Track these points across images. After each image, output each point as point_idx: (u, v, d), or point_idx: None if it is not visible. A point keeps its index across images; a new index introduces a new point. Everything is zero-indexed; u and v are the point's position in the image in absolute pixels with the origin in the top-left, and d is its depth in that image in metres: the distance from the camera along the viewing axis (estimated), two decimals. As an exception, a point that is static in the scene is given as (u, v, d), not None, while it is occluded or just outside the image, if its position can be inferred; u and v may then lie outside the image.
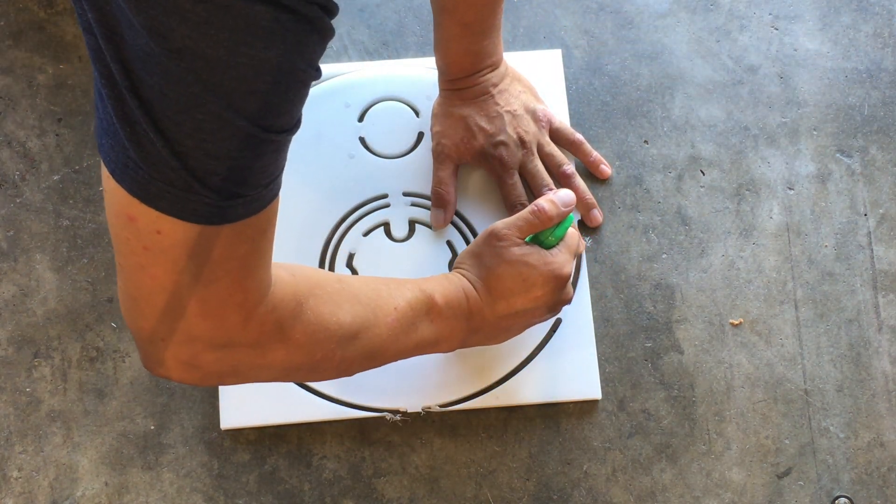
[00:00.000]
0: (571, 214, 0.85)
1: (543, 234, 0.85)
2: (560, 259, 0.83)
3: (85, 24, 0.52)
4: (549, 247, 0.84)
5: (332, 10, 0.55)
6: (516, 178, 0.95)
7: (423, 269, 0.96)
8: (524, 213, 0.83)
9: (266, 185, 0.58)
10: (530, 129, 0.95)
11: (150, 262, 0.57)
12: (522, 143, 0.94)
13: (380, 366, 0.78)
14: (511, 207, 0.95)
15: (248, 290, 0.61)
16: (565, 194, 0.84)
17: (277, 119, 0.55)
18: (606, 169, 0.99)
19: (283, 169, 0.60)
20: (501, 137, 0.93)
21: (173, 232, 0.56)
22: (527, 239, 0.84)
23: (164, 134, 0.52)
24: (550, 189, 0.95)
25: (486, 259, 0.83)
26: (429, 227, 0.97)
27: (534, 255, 0.82)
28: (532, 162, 0.95)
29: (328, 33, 0.55)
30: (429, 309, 0.79)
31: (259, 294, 0.63)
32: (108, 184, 0.56)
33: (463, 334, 0.83)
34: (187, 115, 0.52)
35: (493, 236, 0.83)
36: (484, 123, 0.94)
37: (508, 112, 0.94)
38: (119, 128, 0.53)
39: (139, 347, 0.64)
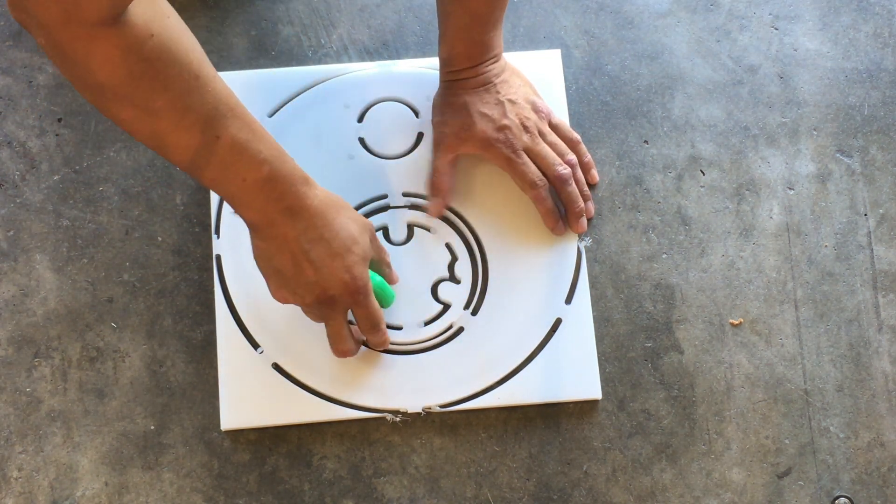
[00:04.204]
0: (391, 296, 0.93)
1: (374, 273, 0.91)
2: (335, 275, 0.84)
3: None
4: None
5: None
6: (525, 157, 0.94)
7: (424, 269, 0.96)
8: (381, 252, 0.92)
9: None
10: (531, 117, 0.95)
11: None
12: (525, 128, 0.94)
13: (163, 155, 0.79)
14: (531, 186, 0.94)
15: (80, 5, 0.65)
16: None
17: None
18: (595, 175, 0.99)
19: None
20: (505, 121, 0.93)
21: None
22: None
23: None
24: (561, 166, 0.95)
25: (335, 213, 0.84)
26: (428, 229, 0.97)
27: (353, 254, 0.84)
28: (538, 144, 0.95)
29: None
30: (249, 165, 0.78)
31: (88, 14, 0.65)
32: None
33: (262, 216, 0.82)
34: None
35: (362, 217, 0.88)
36: (486, 110, 0.94)
37: (509, 100, 0.94)
38: None
39: None
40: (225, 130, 0.76)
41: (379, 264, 0.92)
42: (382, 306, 0.91)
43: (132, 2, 0.67)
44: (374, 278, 0.90)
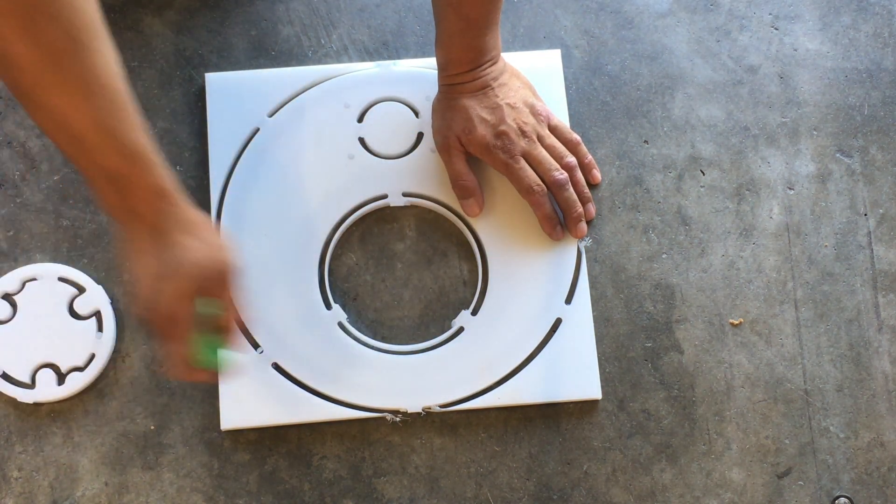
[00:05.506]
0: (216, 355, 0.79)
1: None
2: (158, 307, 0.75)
3: None
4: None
5: None
6: (523, 163, 0.94)
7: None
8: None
9: None
10: (529, 121, 0.95)
11: None
12: (523, 133, 0.94)
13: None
14: (528, 192, 0.94)
15: None
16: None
17: None
18: (598, 174, 0.99)
19: None
20: (503, 127, 0.93)
21: None
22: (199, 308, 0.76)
23: None
24: (558, 171, 0.95)
25: (186, 238, 0.76)
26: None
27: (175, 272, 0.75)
28: (536, 149, 0.95)
29: None
30: (121, 142, 0.69)
31: None
32: None
33: (108, 204, 0.74)
34: None
35: (223, 255, 0.78)
36: (485, 114, 0.94)
37: (508, 104, 0.94)
38: None
39: None
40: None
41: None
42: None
43: None
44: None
